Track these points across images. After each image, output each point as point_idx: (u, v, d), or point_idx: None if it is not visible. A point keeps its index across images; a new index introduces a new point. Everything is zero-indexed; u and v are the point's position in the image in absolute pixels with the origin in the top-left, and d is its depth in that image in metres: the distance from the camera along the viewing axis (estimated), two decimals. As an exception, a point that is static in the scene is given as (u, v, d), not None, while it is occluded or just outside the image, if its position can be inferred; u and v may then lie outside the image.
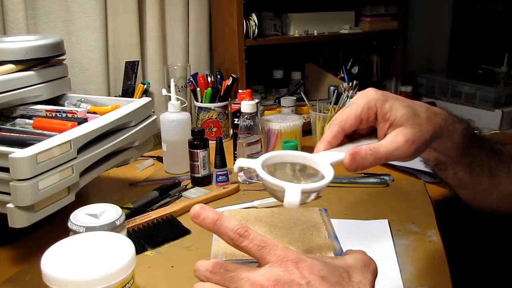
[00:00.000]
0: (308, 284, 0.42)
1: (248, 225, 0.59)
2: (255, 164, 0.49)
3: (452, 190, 0.69)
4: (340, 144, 0.55)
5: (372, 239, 0.78)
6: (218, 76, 1.37)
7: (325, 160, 0.51)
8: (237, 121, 1.10)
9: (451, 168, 0.62)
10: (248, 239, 0.44)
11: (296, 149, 1.08)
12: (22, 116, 0.86)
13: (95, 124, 0.78)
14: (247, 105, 1.03)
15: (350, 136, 0.56)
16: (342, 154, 0.51)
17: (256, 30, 1.38)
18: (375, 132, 0.56)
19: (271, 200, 0.92)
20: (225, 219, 0.45)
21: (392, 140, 0.52)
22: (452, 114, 0.58)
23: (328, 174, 0.49)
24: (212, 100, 1.34)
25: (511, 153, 0.66)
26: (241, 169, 0.52)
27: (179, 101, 1.11)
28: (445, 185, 0.69)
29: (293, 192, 0.45)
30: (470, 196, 0.68)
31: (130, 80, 1.31)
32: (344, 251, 0.62)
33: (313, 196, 0.49)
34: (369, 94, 0.54)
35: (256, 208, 0.91)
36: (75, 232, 0.61)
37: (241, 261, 0.47)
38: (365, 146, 0.51)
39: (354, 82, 1.17)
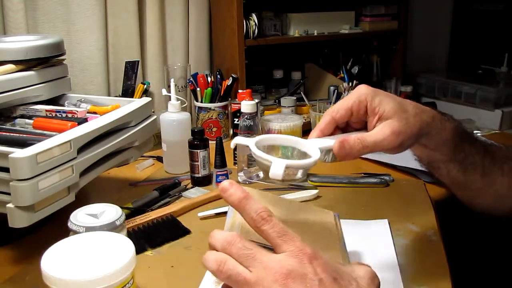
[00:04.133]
0: (320, 281, 0.43)
1: None
2: (250, 142, 0.55)
3: (449, 190, 0.70)
4: (333, 134, 0.59)
5: (372, 239, 0.78)
6: (218, 76, 1.37)
7: (314, 145, 0.56)
8: (237, 121, 1.10)
9: (444, 167, 0.64)
10: (269, 224, 0.45)
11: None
12: (22, 116, 0.86)
13: (95, 124, 0.78)
14: (247, 105, 1.03)
15: (344, 130, 0.60)
16: (332, 141, 0.56)
17: (256, 30, 1.38)
18: (367, 127, 0.59)
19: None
20: (252, 199, 0.46)
21: (379, 131, 0.55)
22: (441, 113, 0.60)
23: (314, 155, 0.54)
24: (212, 100, 1.34)
25: (504, 154, 0.67)
26: (236, 145, 0.58)
27: (179, 101, 1.11)
28: (442, 185, 0.70)
29: (278, 165, 0.51)
30: (465, 195, 0.70)
31: (130, 80, 1.31)
32: (349, 259, 0.63)
33: (299, 174, 0.54)
34: (361, 89, 0.59)
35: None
36: (75, 232, 0.60)
37: (255, 243, 0.48)
38: (354, 135, 0.55)
39: (354, 82, 1.17)
